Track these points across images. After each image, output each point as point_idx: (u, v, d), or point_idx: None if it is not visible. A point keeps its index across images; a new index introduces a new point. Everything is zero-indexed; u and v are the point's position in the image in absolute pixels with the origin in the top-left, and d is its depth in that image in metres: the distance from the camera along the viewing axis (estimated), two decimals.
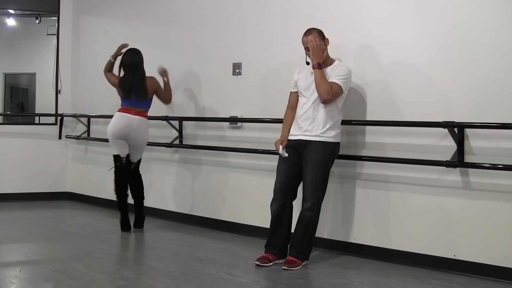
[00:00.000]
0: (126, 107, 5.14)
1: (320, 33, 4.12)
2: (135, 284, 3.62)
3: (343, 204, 4.47)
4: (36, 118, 7.78)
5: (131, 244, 4.86)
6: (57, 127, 7.10)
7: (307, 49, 4.11)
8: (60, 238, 4.97)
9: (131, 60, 5.15)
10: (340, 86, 4.01)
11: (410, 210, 4.13)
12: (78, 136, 6.90)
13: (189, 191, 5.67)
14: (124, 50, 5.25)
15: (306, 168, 4.05)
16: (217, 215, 5.40)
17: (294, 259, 4.01)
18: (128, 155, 5.19)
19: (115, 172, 5.23)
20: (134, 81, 5.12)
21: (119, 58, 5.27)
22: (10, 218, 5.87)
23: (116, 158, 5.19)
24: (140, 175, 5.31)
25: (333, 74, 4.04)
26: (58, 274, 3.77)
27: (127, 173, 5.22)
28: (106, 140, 6.45)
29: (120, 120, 5.10)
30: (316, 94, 4.05)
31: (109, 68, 5.32)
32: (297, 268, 3.97)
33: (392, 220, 4.22)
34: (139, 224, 5.30)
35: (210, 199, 5.48)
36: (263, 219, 4.96)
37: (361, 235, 4.38)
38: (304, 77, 4.19)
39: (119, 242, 4.86)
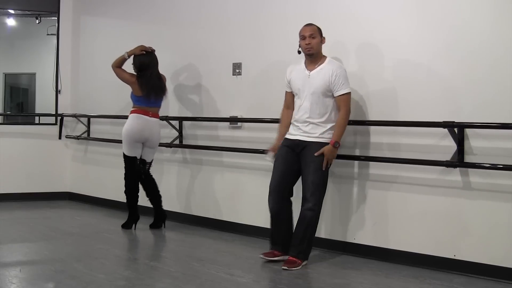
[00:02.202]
0: (142, 108, 5.13)
1: (319, 29, 4.14)
2: (135, 284, 3.61)
3: (343, 204, 4.47)
4: (36, 118, 7.78)
5: (131, 244, 4.86)
6: (57, 127, 7.10)
7: (302, 37, 4.11)
8: (60, 238, 4.97)
9: (151, 60, 5.15)
10: (348, 92, 4.04)
11: (410, 210, 4.13)
12: (78, 136, 6.89)
13: (189, 191, 5.67)
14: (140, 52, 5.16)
15: (306, 169, 4.05)
16: (217, 215, 5.40)
17: (294, 259, 4.01)
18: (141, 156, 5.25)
19: (129, 174, 5.21)
20: (155, 81, 5.14)
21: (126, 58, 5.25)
22: (10, 218, 5.87)
23: (132, 160, 5.19)
24: (152, 176, 5.34)
25: (336, 84, 4.00)
26: (58, 274, 3.77)
27: (140, 174, 5.26)
28: (106, 140, 6.49)
29: (139, 123, 5.10)
30: (311, 97, 4.06)
31: (120, 64, 5.22)
32: (297, 268, 3.97)
33: (392, 220, 4.22)
34: (160, 224, 5.30)
35: (210, 199, 5.48)
36: (263, 219, 4.96)
37: (361, 235, 4.38)
38: (296, 77, 4.17)
39: (119, 242, 4.86)
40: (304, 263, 4.06)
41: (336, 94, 4.03)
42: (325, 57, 4.14)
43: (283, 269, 3.96)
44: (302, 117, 4.10)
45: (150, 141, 5.19)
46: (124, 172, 5.25)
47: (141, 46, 5.19)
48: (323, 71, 4.06)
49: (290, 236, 4.15)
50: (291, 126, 4.21)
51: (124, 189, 5.27)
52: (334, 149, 4.01)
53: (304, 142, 4.08)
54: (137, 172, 5.23)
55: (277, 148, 4.27)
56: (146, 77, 5.11)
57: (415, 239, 4.10)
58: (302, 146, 4.09)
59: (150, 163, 5.32)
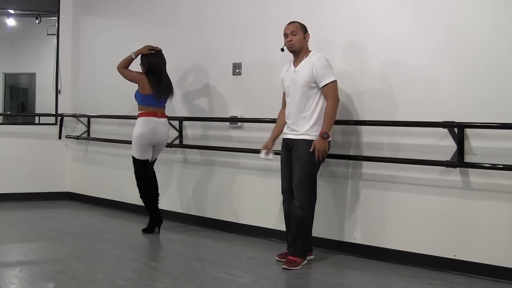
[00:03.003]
0: (150, 110, 5.05)
1: (302, 26, 4.14)
2: (135, 284, 3.62)
3: (343, 204, 4.47)
4: (36, 118, 7.78)
5: (131, 244, 4.86)
6: (57, 127, 7.09)
7: (285, 35, 4.13)
8: (60, 238, 4.97)
9: (160, 59, 5.10)
10: (332, 81, 4.01)
11: (410, 210, 4.13)
12: (78, 136, 6.89)
13: (189, 191, 5.67)
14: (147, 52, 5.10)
15: (293, 167, 4.08)
16: (217, 215, 5.40)
17: (294, 258, 4.02)
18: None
19: (143, 178, 5.13)
20: (165, 81, 5.11)
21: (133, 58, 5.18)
22: (10, 218, 5.87)
23: (144, 163, 5.11)
24: (154, 171, 5.29)
25: (318, 75, 3.98)
26: (58, 274, 3.77)
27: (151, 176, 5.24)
28: (106, 140, 6.49)
29: (151, 127, 5.03)
30: (297, 92, 4.07)
31: (127, 65, 5.13)
32: (297, 267, 3.98)
33: (392, 220, 4.22)
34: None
35: (210, 199, 5.48)
36: (263, 219, 4.97)
37: (361, 235, 4.38)
38: (286, 75, 4.20)
39: (119, 242, 4.86)
40: (304, 262, 4.06)
41: (320, 85, 4.02)
42: (310, 51, 4.15)
43: (283, 268, 3.96)
44: (291, 113, 4.12)
45: (160, 143, 5.16)
46: (135, 176, 5.16)
47: (149, 45, 5.12)
48: (305, 65, 4.07)
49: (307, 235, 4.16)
50: (285, 125, 4.23)
51: (131, 195, 5.22)
52: (323, 140, 3.97)
53: (292, 141, 4.11)
54: (150, 174, 5.18)
55: (269, 146, 4.29)
56: (156, 76, 5.05)
57: (415, 239, 4.10)
58: (291, 144, 4.12)
59: (153, 162, 5.27)
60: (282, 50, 4.21)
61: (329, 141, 4.07)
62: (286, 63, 4.26)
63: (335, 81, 4.03)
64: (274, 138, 4.32)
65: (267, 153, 4.30)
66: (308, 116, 4.04)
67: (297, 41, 4.09)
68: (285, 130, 4.21)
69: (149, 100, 5.05)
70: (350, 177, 4.44)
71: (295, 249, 4.06)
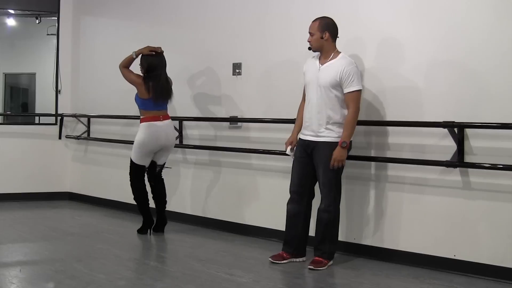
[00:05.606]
0: (152, 114, 4.96)
1: (321, 25, 4.07)
2: (135, 284, 3.62)
3: (343, 204, 4.45)
4: (36, 118, 7.78)
5: (131, 244, 4.86)
6: (57, 127, 7.09)
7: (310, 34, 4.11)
8: (60, 238, 4.97)
9: (159, 61, 5.00)
10: (357, 90, 3.96)
11: (410, 210, 4.13)
12: (78, 136, 6.89)
13: (189, 191, 5.67)
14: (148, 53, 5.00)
15: (318, 171, 4.05)
16: (217, 215, 5.40)
17: (320, 259, 4.02)
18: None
19: (136, 182, 5.08)
20: (163, 84, 4.99)
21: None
22: (10, 218, 5.86)
23: (140, 168, 5.06)
24: (163, 179, 5.24)
25: (346, 80, 3.94)
26: (58, 274, 3.77)
27: (149, 180, 5.16)
28: (106, 140, 6.49)
29: (154, 133, 4.94)
30: (318, 91, 4.02)
31: (128, 64, 5.05)
32: (323, 268, 3.99)
33: (392, 220, 4.22)
34: (161, 228, 5.18)
35: (210, 199, 5.48)
36: (263, 219, 4.97)
37: (361, 235, 4.38)
38: (308, 70, 4.16)
39: (119, 242, 4.86)
40: (330, 263, 4.06)
41: (345, 91, 3.97)
42: (338, 52, 4.09)
43: (309, 269, 3.96)
44: (309, 112, 4.07)
45: (166, 146, 5.07)
46: (129, 178, 5.12)
47: (149, 46, 5.03)
48: (333, 65, 4.02)
49: (304, 240, 4.17)
50: (303, 124, 4.17)
51: (131, 195, 5.17)
52: (341, 149, 3.94)
53: (313, 143, 4.06)
54: (143, 179, 5.11)
55: (293, 142, 4.23)
56: (153, 79, 4.95)
57: (415, 239, 4.10)
58: (312, 147, 4.07)
59: (162, 166, 5.20)
60: (310, 49, 4.14)
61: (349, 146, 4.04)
62: (313, 57, 4.19)
63: (360, 91, 3.98)
64: (296, 133, 4.27)
65: (292, 149, 4.25)
66: (326, 118, 4.00)
67: (313, 42, 4.08)
68: (304, 130, 4.14)
69: (149, 105, 4.97)
70: (349, 177, 4.43)
71: (323, 251, 4.05)
